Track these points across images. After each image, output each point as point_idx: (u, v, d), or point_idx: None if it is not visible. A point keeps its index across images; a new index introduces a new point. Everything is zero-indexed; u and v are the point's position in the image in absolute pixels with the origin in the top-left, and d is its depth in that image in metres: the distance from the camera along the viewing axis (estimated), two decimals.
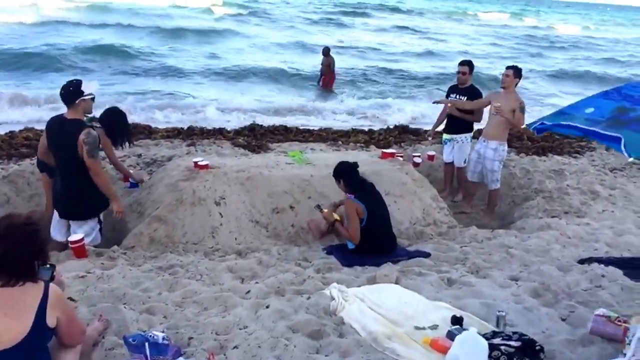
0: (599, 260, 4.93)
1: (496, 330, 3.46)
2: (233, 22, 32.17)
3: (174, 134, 8.89)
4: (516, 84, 6.81)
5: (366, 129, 10.52)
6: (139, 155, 7.51)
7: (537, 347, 3.23)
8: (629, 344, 3.05)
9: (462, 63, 7.45)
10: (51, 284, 2.68)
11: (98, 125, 5.32)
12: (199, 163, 5.96)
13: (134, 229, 5.41)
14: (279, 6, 46.15)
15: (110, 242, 5.47)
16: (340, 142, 9.07)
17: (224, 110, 12.74)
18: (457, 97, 7.38)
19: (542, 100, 17.93)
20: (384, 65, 21.88)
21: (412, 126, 10.76)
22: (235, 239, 5.43)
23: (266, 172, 6.03)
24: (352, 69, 20.06)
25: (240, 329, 3.55)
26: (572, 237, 5.69)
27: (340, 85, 17.47)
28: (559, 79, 23.38)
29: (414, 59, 24.74)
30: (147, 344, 3.09)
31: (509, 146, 7.45)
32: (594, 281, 4.49)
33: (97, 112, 5.57)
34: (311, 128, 10.21)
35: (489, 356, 3.09)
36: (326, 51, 16.08)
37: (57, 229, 5.10)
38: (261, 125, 9.82)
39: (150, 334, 3.24)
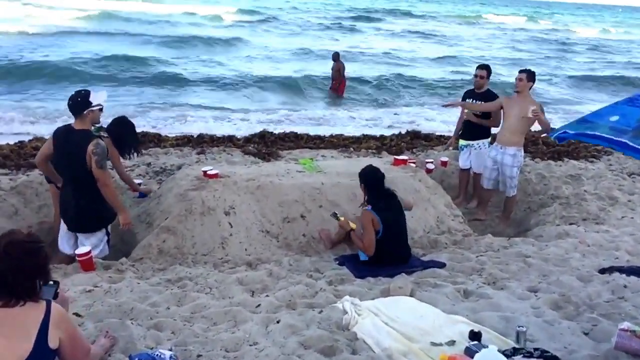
0: (621, 270, 4.76)
1: (516, 346, 3.31)
2: (244, 29, 32.15)
3: (184, 142, 8.83)
4: (530, 87, 6.67)
5: (378, 134, 10.38)
6: (148, 164, 7.44)
7: None
8: None
9: (480, 67, 7.33)
10: (53, 303, 2.58)
11: (105, 135, 5.26)
12: (208, 172, 5.87)
13: (142, 241, 5.32)
14: (289, 12, 46.05)
15: (119, 253, 5.40)
16: (351, 149, 8.96)
17: (232, 120, 12.68)
18: (473, 101, 7.25)
19: (566, 107, 17.51)
20: (398, 71, 21.63)
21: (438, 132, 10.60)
22: (246, 249, 5.33)
23: (276, 181, 5.93)
24: (362, 77, 19.80)
25: (250, 345, 3.44)
26: (591, 245, 5.53)
27: (355, 93, 17.24)
28: (584, 84, 22.73)
29: (430, 65, 24.45)
30: None
31: (523, 151, 7.30)
32: (616, 292, 4.33)
33: (105, 122, 5.54)
34: (322, 135, 10.09)
35: None
36: (336, 56, 15.99)
37: (64, 241, 5.03)
38: (271, 133, 9.74)
39: (157, 353, 3.14)
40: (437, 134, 10.41)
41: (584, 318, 3.87)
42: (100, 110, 4.69)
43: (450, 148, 8.38)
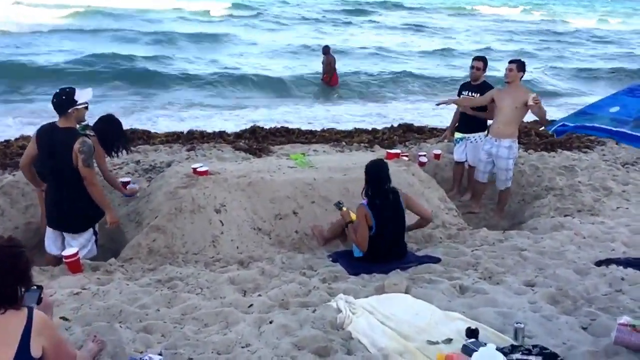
0: (617, 262, 4.70)
1: (515, 343, 3.25)
2: (234, 25, 31.64)
3: (174, 138, 8.69)
4: (521, 78, 6.61)
5: (370, 128, 10.28)
6: (137, 162, 7.31)
7: None
8: None
9: (476, 58, 7.27)
10: (35, 310, 2.48)
11: (92, 133, 5.14)
12: (198, 169, 5.76)
13: (132, 240, 5.22)
14: (280, 6, 45.53)
15: (108, 253, 5.29)
16: (344, 143, 8.86)
17: (223, 115, 12.55)
18: (470, 94, 7.20)
19: (571, 101, 17.16)
20: (391, 65, 21.41)
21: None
22: (237, 247, 5.23)
23: (268, 177, 5.83)
24: (357, 71, 19.60)
25: (242, 347, 3.35)
26: (587, 237, 5.47)
27: (348, 88, 17.11)
28: (586, 75, 22.13)
29: (423, 58, 24.14)
30: None
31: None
32: (613, 285, 4.27)
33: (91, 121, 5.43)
34: (313, 129, 9.98)
35: None
36: (326, 50, 15.89)
37: (51, 242, 4.91)
38: (262, 128, 9.60)
39: (146, 357, 3.06)
40: (429, 126, 10.31)
41: (582, 312, 3.81)
42: (86, 108, 4.57)
43: (446, 140, 8.31)
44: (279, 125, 9.99)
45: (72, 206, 4.69)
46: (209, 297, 4.08)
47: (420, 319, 3.62)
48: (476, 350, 3.01)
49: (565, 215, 6.26)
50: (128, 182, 6.16)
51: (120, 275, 4.49)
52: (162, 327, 3.58)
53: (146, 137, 8.72)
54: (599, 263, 4.76)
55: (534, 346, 3.17)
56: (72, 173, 4.54)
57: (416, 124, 10.59)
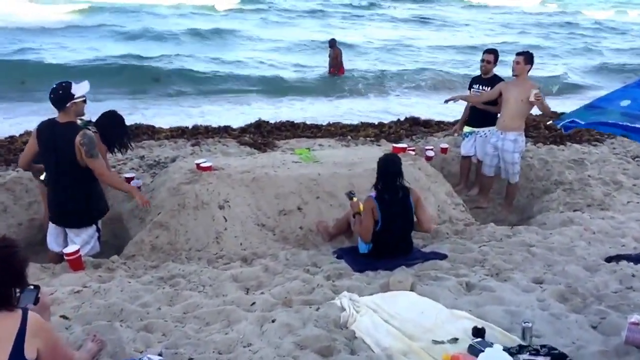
0: (628, 258, 4.60)
1: (522, 343, 3.17)
2: (242, 19, 31.16)
3: (178, 133, 8.63)
4: (528, 70, 6.50)
5: (376, 122, 10.18)
6: (142, 157, 7.27)
7: None
8: None
9: (487, 51, 7.15)
10: (30, 312, 2.42)
11: (94, 129, 5.08)
12: (201, 165, 5.70)
13: (135, 237, 5.17)
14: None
15: (112, 249, 5.26)
16: (349, 137, 8.77)
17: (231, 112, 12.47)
18: (480, 87, 7.10)
19: (596, 96, 16.57)
20: (402, 60, 21.03)
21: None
22: (241, 244, 5.17)
23: (272, 173, 5.76)
24: (365, 65, 19.33)
25: (244, 346, 3.29)
26: (596, 233, 5.36)
27: (356, 83, 16.90)
28: (615, 69, 21.22)
29: (437, 53, 23.59)
30: None
31: (525, 136, 7.12)
32: (624, 282, 4.18)
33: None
34: (319, 123, 9.89)
35: None
36: (332, 42, 15.81)
37: (53, 238, 4.87)
38: (267, 122, 9.52)
39: (146, 357, 3.00)
40: (436, 120, 10.18)
41: (592, 310, 3.72)
42: (84, 101, 4.52)
43: (455, 134, 8.20)
44: (284, 120, 9.90)
45: (74, 202, 4.65)
46: (211, 295, 4.03)
47: (425, 318, 3.55)
48: (483, 351, 2.93)
49: (575, 210, 6.15)
50: (132, 178, 6.13)
51: (122, 272, 4.44)
52: (163, 325, 3.53)
53: (151, 132, 8.66)
54: (609, 259, 4.66)
55: (542, 346, 3.09)
56: (74, 168, 4.50)
57: (423, 117, 10.44)
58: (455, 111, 9.45)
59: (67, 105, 4.39)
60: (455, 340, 3.30)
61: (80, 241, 4.72)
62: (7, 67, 15.50)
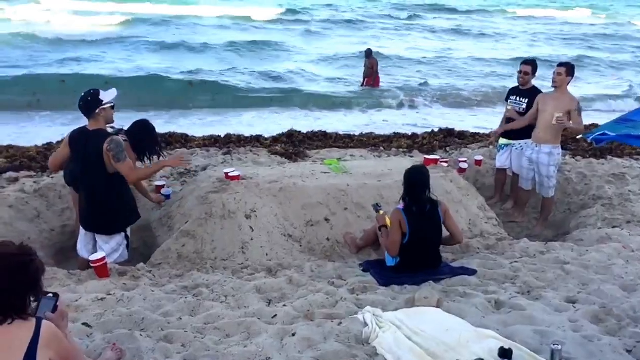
0: None
1: None
2: (280, 31, 31.11)
3: (211, 142, 8.69)
4: (569, 83, 6.30)
5: (410, 133, 10.06)
6: None
7: None
8: None
9: (525, 62, 6.96)
10: (44, 321, 2.42)
11: (124, 138, 5.14)
12: (230, 174, 5.71)
13: (162, 245, 5.20)
14: (326, 10, 44.47)
15: (142, 257, 5.29)
16: (381, 148, 8.68)
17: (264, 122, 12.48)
18: (517, 98, 6.91)
19: None
20: (443, 73, 20.62)
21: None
22: (267, 254, 5.14)
23: (300, 183, 5.72)
24: (401, 77, 19.10)
25: None
26: (635, 251, 5.13)
27: (393, 95, 16.70)
28: None
29: (479, 66, 22.92)
30: None
31: (563, 148, 6.89)
32: None
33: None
34: (351, 133, 9.82)
35: None
36: (369, 53, 15.77)
37: (83, 245, 4.93)
38: (299, 132, 9.51)
39: None
40: (471, 131, 10.00)
41: (627, 333, 3.55)
42: (112, 107, 4.58)
43: (491, 147, 8.01)
44: (316, 129, 9.87)
45: (103, 208, 4.70)
46: (233, 306, 3.99)
47: (450, 336, 3.43)
48: None
49: (614, 227, 5.91)
50: (162, 186, 6.18)
51: (147, 281, 4.45)
52: (183, 336, 3.50)
53: (184, 140, 8.75)
54: None
55: None
56: (103, 175, 4.55)
57: (458, 128, 10.26)
58: (494, 124, 9.23)
59: (96, 112, 4.46)
60: None
61: (109, 249, 4.77)
62: (48, 77, 15.91)
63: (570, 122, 6.14)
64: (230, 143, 8.68)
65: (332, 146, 8.77)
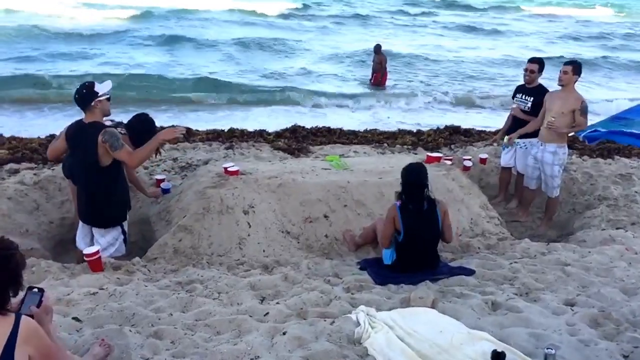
0: None
1: None
2: (290, 27, 30.90)
3: (214, 136, 8.65)
4: (575, 81, 6.19)
5: (414, 130, 9.96)
6: (175, 159, 7.30)
7: None
8: None
9: (531, 60, 6.83)
10: (23, 317, 2.39)
11: (123, 131, 5.11)
12: (229, 169, 5.67)
13: (159, 239, 5.17)
14: (337, 6, 43.94)
15: (141, 251, 5.26)
16: (385, 144, 8.59)
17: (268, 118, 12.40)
18: (522, 96, 6.80)
19: None
20: (460, 74, 20.18)
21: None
22: (264, 250, 5.09)
23: (299, 179, 5.67)
24: (409, 74, 18.85)
25: (251, 359, 3.20)
26: (638, 253, 5.04)
27: (400, 91, 16.53)
28: None
29: (490, 64, 22.36)
30: None
31: (569, 147, 6.77)
32: None
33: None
34: (355, 129, 9.74)
35: None
36: (377, 48, 15.63)
37: (81, 237, 4.91)
38: (303, 127, 9.44)
39: None
40: (477, 129, 9.89)
41: (625, 338, 3.47)
42: (108, 99, 4.54)
43: (495, 144, 7.91)
44: (321, 125, 9.79)
45: (100, 201, 4.66)
46: (226, 303, 3.95)
47: (443, 338, 3.37)
48: None
49: (618, 228, 5.80)
50: (162, 180, 6.15)
51: (141, 275, 4.41)
52: (173, 332, 3.47)
53: (187, 134, 8.70)
54: None
55: None
56: (99, 167, 4.52)
57: (464, 126, 10.14)
58: (501, 123, 9.09)
59: (92, 104, 4.42)
60: None
61: (105, 242, 4.74)
62: (58, 69, 15.93)
63: (574, 123, 6.04)
64: (233, 137, 8.63)
65: (336, 142, 8.68)
